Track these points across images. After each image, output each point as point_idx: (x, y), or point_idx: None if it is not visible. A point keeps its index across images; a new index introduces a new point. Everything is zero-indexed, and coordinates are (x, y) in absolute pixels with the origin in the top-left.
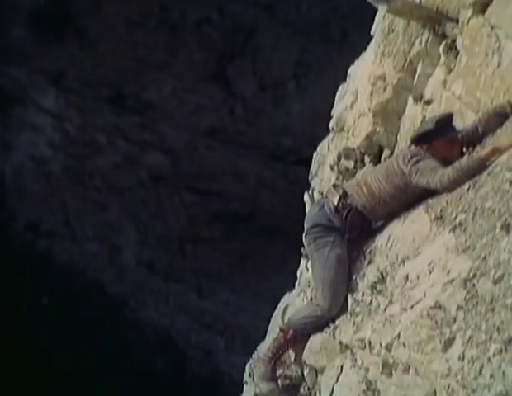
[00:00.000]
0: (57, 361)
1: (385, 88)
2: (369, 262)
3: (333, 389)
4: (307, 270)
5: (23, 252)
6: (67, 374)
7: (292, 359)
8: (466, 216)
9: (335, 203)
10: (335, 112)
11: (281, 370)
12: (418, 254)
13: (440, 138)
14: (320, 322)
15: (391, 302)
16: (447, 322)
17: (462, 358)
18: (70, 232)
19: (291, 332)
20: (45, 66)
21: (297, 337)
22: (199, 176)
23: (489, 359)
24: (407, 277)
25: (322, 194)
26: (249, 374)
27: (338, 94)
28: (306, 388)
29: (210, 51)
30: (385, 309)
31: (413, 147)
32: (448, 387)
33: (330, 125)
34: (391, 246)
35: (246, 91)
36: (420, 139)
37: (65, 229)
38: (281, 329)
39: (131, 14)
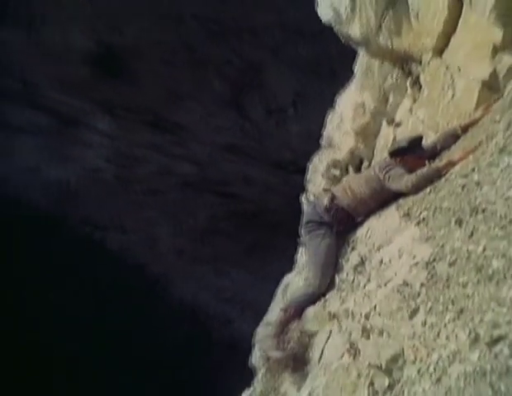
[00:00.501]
0: (107, 324)
1: (364, 113)
2: (352, 249)
3: (323, 350)
4: (303, 256)
5: (83, 241)
6: (115, 335)
7: (296, 333)
8: (427, 213)
9: (325, 203)
10: (325, 132)
11: (286, 340)
12: (390, 243)
13: (411, 154)
14: (313, 298)
15: (368, 280)
16: (412, 296)
17: (424, 324)
18: (119, 226)
19: (290, 310)
20: (100, 97)
21: (296, 312)
22: (218, 182)
23: (445, 325)
24: (381, 261)
25: (315, 196)
26: (257, 338)
27: (327, 118)
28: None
29: (227, 83)
30: (364, 286)
31: (388, 159)
32: (413, 346)
33: (321, 142)
34: (369, 236)
35: (255, 115)
36: (395, 153)
37: (115, 224)
38: (282, 309)
39: (166, 55)
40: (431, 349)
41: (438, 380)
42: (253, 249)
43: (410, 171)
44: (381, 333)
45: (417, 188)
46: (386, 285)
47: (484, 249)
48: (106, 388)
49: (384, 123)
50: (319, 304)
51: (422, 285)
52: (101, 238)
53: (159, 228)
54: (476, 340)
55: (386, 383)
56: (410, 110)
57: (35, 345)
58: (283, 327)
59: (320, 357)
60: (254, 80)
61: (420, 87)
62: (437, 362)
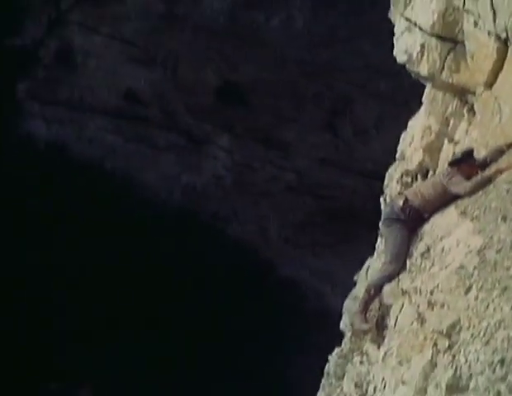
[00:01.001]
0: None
1: (430, 134)
2: (420, 240)
3: (397, 318)
4: (381, 244)
5: (210, 231)
6: (232, 307)
7: (377, 305)
8: (479, 211)
9: (400, 204)
10: (399, 148)
11: (369, 313)
12: (450, 235)
13: (465, 163)
14: (389, 278)
15: (432, 264)
16: (467, 277)
17: (476, 299)
18: (237, 220)
19: (372, 290)
20: (223, 120)
21: (376, 292)
22: (315, 187)
23: (492, 299)
24: (443, 249)
25: (391, 198)
26: (345, 308)
27: (401, 137)
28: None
29: (323, 111)
30: (429, 269)
31: (449, 169)
32: (468, 316)
33: (397, 156)
34: (434, 230)
35: (345, 135)
36: (453, 164)
37: (234, 218)
38: (366, 289)
39: (274, 88)
40: (482, 318)
41: (487, 343)
42: (342, 238)
43: (467, 178)
44: (442, 306)
45: (472, 192)
46: (446, 268)
47: None
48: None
49: (446, 141)
50: (394, 283)
51: (475, 267)
52: (224, 228)
53: (269, 222)
54: None
55: (447, 344)
56: (466, 131)
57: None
58: (367, 304)
59: (395, 324)
60: (344, 108)
61: (474, 113)
62: (486, 328)
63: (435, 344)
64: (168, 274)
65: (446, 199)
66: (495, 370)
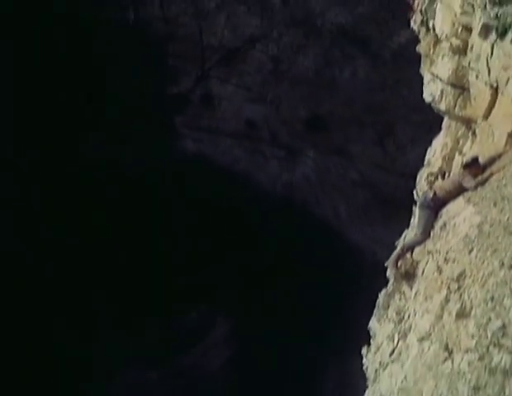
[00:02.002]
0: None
1: (446, 148)
2: (440, 218)
3: (423, 270)
4: (414, 221)
5: (301, 213)
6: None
7: (410, 260)
8: (479, 199)
9: (431, 196)
10: (426, 157)
11: (402, 264)
12: (459, 215)
13: (473, 167)
14: (418, 243)
15: (447, 233)
16: (471, 242)
17: (476, 257)
18: (318, 204)
19: (405, 249)
20: (310, 140)
21: (407, 250)
22: (371, 183)
23: (487, 257)
24: (454, 224)
25: (423, 191)
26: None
27: (428, 151)
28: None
29: (376, 133)
30: (445, 237)
31: (462, 170)
32: (470, 268)
33: (424, 163)
34: (448, 211)
35: (391, 149)
36: (465, 167)
37: (316, 203)
38: (400, 248)
39: (345, 117)
40: (479, 269)
41: (483, 286)
42: (388, 217)
43: (474, 177)
44: (453, 261)
45: (476, 186)
46: (456, 236)
47: (507, 218)
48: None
49: (456, 154)
50: (422, 246)
51: (475, 236)
52: (310, 210)
53: (340, 206)
54: (505, 265)
55: (456, 287)
56: (470, 147)
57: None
58: (399, 257)
59: (422, 273)
60: (391, 131)
61: (476, 135)
62: (482, 276)
63: (448, 287)
64: (273, 244)
65: (459, 192)
66: (487, 303)
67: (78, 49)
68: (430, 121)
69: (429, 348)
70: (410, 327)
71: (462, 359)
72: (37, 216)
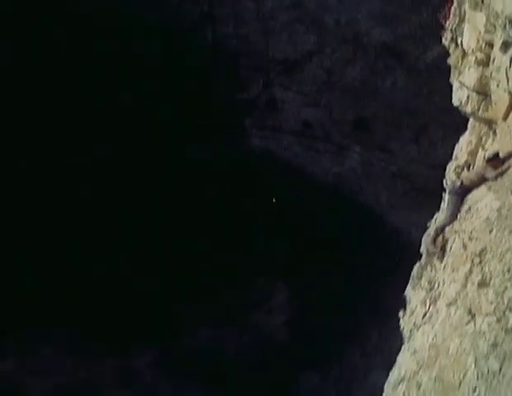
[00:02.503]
0: None
1: (471, 145)
2: (465, 203)
3: (451, 247)
4: (444, 205)
5: (348, 199)
6: None
7: (441, 238)
8: (498, 188)
9: (459, 184)
10: (454, 153)
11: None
12: (481, 200)
13: (494, 160)
14: (448, 224)
15: (472, 216)
16: (492, 223)
17: (495, 236)
18: (362, 192)
19: (438, 230)
20: (356, 138)
21: (441, 231)
22: (408, 174)
23: (505, 236)
24: (477, 208)
25: (452, 181)
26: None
27: (455, 147)
28: None
29: (413, 133)
30: (470, 218)
31: (484, 163)
32: (490, 246)
33: (453, 157)
34: (473, 197)
35: (425, 146)
36: (488, 161)
37: (360, 191)
38: (435, 230)
39: (386, 120)
40: (498, 247)
41: (501, 260)
42: (422, 202)
43: (495, 169)
44: (476, 239)
45: (496, 177)
46: (480, 218)
47: None
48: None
49: (480, 149)
50: (450, 226)
51: (495, 219)
52: (355, 197)
53: (382, 193)
54: None
55: (478, 261)
56: (492, 144)
57: None
58: (437, 235)
59: (450, 249)
60: (425, 131)
61: (496, 134)
62: (500, 252)
63: (472, 261)
64: (324, 225)
65: (482, 181)
66: (504, 274)
67: (170, 64)
68: (458, 122)
69: (455, 312)
70: (440, 295)
71: (483, 321)
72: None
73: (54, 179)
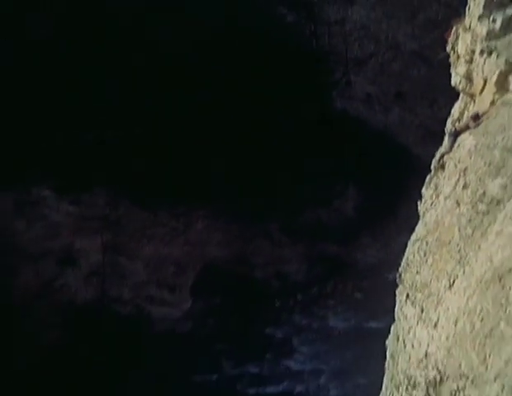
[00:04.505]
0: None
1: (461, 108)
2: (457, 141)
3: (448, 165)
4: (444, 142)
5: None
6: None
7: None
8: (476, 132)
9: (453, 130)
10: (452, 112)
11: None
12: (466, 140)
13: (474, 117)
14: (447, 153)
15: (460, 148)
16: (471, 153)
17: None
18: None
19: (440, 153)
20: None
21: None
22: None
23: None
24: (463, 144)
25: (449, 128)
26: None
27: (452, 108)
28: None
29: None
30: (459, 150)
31: (468, 118)
32: None
33: (450, 114)
34: (461, 138)
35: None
36: (470, 117)
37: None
38: (438, 156)
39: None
40: (476, 165)
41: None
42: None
43: (474, 121)
44: (462, 162)
45: (475, 127)
46: (464, 150)
47: (488, 142)
48: None
49: (466, 111)
50: (447, 154)
51: (472, 150)
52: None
53: None
54: (487, 163)
55: (463, 174)
56: (473, 107)
57: None
58: (439, 159)
59: (447, 167)
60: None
61: (475, 102)
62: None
63: (459, 174)
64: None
65: (466, 129)
66: (477, 182)
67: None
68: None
69: (449, 202)
70: (440, 192)
71: (464, 207)
72: None
73: None
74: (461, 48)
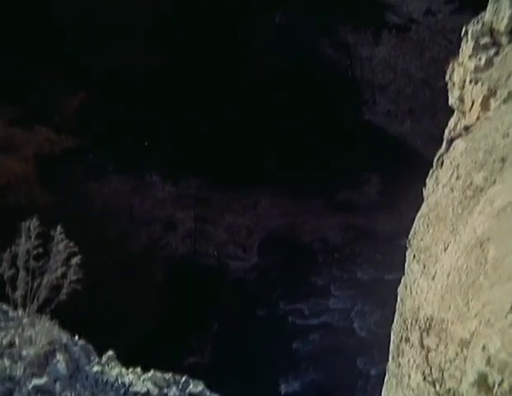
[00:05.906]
0: None
1: (456, 120)
2: (452, 145)
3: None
4: (443, 145)
5: None
6: None
7: None
8: (466, 139)
9: (450, 137)
10: (449, 123)
11: None
12: (459, 144)
13: (466, 128)
14: (444, 153)
15: (454, 150)
16: (463, 153)
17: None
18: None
19: (439, 153)
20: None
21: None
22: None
23: (473, 159)
24: (457, 147)
25: (446, 135)
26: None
27: (449, 121)
28: None
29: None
30: (454, 151)
31: (461, 129)
32: None
33: (448, 124)
34: (455, 143)
35: None
36: (463, 128)
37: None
38: (442, 150)
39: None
40: (467, 160)
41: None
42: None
43: (466, 131)
44: (456, 160)
45: (467, 134)
46: (457, 151)
47: (475, 147)
48: None
49: (459, 123)
50: (445, 154)
51: (463, 151)
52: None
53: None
54: (476, 162)
55: (458, 163)
56: (465, 120)
57: None
58: (438, 159)
59: (444, 164)
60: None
61: (465, 117)
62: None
63: (453, 169)
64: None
65: (460, 136)
66: (467, 173)
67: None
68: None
69: (446, 188)
70: (440, 180)
71: (456, 189)
72: None
73: None
74: (456, 78)
